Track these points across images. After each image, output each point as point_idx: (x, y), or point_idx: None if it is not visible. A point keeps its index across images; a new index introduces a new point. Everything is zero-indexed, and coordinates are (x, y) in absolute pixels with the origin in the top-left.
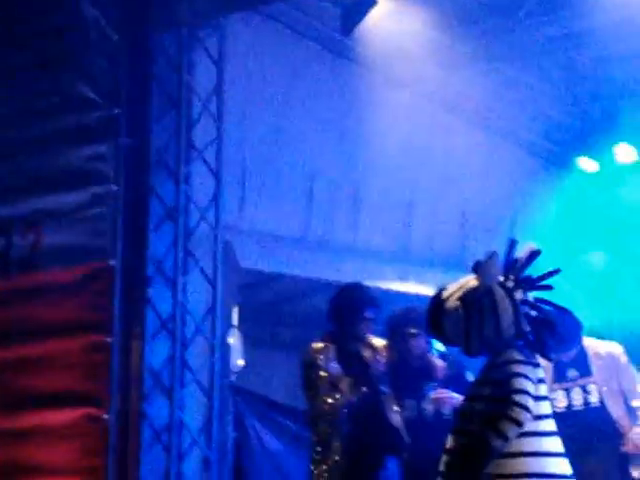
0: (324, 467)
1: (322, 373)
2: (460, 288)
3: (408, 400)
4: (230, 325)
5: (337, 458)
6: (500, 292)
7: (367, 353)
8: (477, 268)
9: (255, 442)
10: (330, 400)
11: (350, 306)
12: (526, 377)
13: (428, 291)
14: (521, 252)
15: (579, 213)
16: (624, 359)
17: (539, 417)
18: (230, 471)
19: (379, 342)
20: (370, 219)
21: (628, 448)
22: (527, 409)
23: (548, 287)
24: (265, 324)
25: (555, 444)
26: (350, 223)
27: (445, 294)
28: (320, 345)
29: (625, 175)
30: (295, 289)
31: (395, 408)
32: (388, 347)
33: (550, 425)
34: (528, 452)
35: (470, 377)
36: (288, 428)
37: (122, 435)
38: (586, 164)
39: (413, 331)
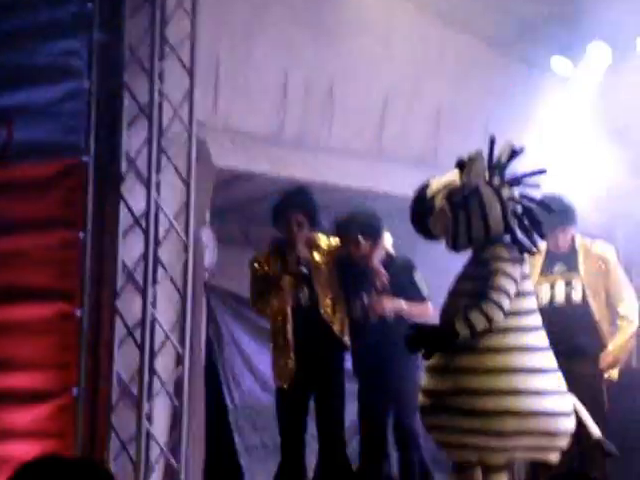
0: (281, 364)
1: (262, 272)
2: (445, 187)
3: (354, 300)
4: (203, 223)
5: (291, 356)
6: (488, 191)
7: (313, 254)
8: (461, 166)
9: (227, 338)
10: (275, 301)
11: (275, 211)
12: (507, 275)
13: (401, 189)
14: (501, 151)
15: (553, 113)
16: (614, 262)
17: (524, 313)
18: (202, 367)
19: (331, 242)
20: (344, 117)
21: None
22: (502, 308)
23: (535, 185)
24: (239, 223)
25: (539, 339)
26: (324, 121)
27: (429, 193)
28: (261, 254)
29: (599, 74)
30: (269, 188)
31: (333, 306)
32: (338, 246)
33: (535, 320)
34: (513, 347)
35: (419, 278)
36: (260, 325)
37: (95, 331)
38: (560, 64)
39: (358, 237)
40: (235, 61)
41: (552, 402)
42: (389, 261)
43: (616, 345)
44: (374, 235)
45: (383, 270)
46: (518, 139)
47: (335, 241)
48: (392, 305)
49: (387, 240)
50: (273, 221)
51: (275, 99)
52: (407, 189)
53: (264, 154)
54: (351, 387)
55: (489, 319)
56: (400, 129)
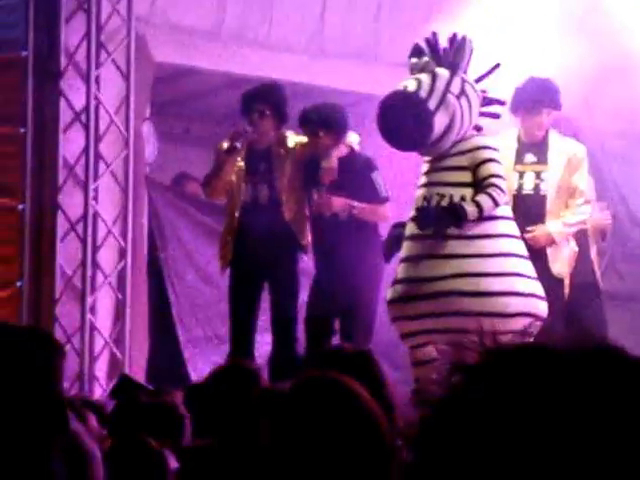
0: (225, 243)
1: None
2: (435, 81)
3: (311, 196)
4: (144, 118)
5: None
6: (467, 78)
7: (277, 151)
8: (418, 51)
9: (170, 233)
10: (237, 189)
11: (242, 102)
12: (498, 163)
13: (341, 84)
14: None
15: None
16: (583, 159)
17: (505, 203)
18: (145, 261)
19: (297, 139)
20: (284, 11)
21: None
22: (503, 192)
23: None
24: (179, 119)
25: (511, 227)
26: (264, 16)
27: (423, 93)
28: (229, 138)
29: None
30: (209, 84)
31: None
32: (305, 143)
33: (506, 210)
34: (507, 234)
35: (378, 178)
36: (203, 221)
37: (37, 226)
38: None
39: (319, 131)
40: None
41: (539, 287)
42: (349, 158)
43: (556, 225)
44: (336, 129)
45: (334, 166)
46: (470, 32)
47: (303, 138)
48: (341, 203)
49: (352, 137)
50: (240, 110)
51: None
52: (347, 84)
53: (203, 49)
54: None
55: (496, 203)
56: (340, 24)
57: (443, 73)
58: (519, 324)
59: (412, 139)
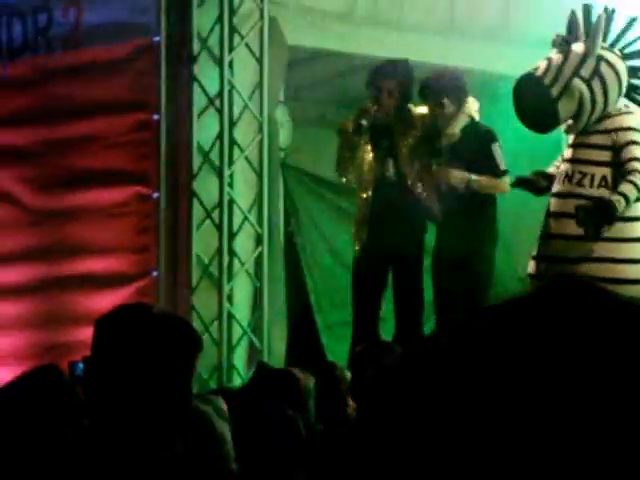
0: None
1: (348, 135)
2: (564, 66)
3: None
4: (278, 102)
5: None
6: (610, 55)
7: (400, 126)
8: (562, 41)
9: (306, 219)
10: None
11: (369, 79)
12: None
13: (475, 64)
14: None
15: None
16: None
17: None
18: (281, 247)
19: (419, 111)
20: None
21: None
22: None
23: (629, 27)
24: (313, 102)
25: None
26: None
27: (547, 79)
28: (348, 120)
29: None
30: (342, 66)
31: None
32: (428, 114)
33: None
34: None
35: (497, 150)
36: (339, 205)
37: (172, 214)
38: None
39: (443, 100)
40: None
41: None
42: (470, 128)
43: None
44: (458, 96)
45: (456, 132)
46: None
47: (424, 109)
48: (457, 176)
49: (472, 105)
50: (367, 87)
51: None
52: (482, 64)
53: (336, 32)
54: None
55: (639, 189)
56: (471, 4)
57: (576, 53)
58: None
59: (539, 124)
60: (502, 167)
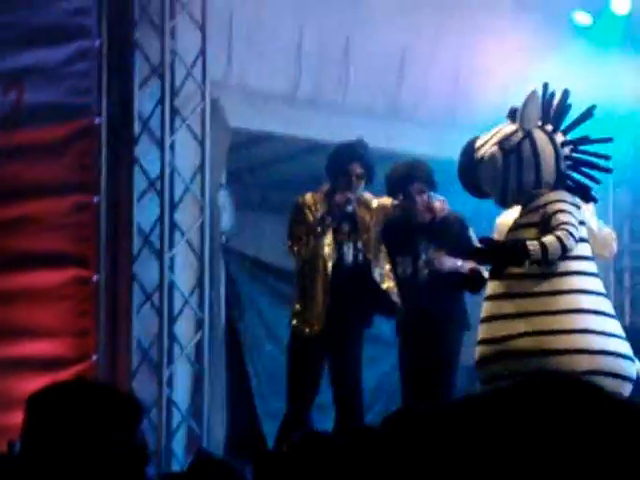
0: (304, 318)
1: (309, 216)
2: (495, 135)
3: (404, 257)
4: (220, 185)
5: (320, 301)
6: (541, 136)
7: (361, 212)
8: (513, 113)
9: (247, 303)
10: (312, 243)
11: (335, 162)
12: (571, 214)
13: (419, 149)
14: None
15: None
16: None
17: (583, 258)
18: (222, 332)
19: (381, 201)
20: (360, 76)
21: None
22: (574, 239)
23: (587, 116)
24: (255, 186)
25: (599, 284)
26: (340, 80)
27: (478, 143)
28: (310, 196)
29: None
30: (285, 150)
31: (387, 267)
32: (391, 204)
33: (592, 266)
34: (578, 289)
35: (473, 235)
36: (279, 289)
37: (112, 297)
38: (581, 18)
39: (418, 187)
40: (249, 18)
41: (619, 344)
42: (440, 221)
43: None
44: (435, 186)
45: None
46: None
47: (386, 200)
48: (450, 263)
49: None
50: (330, 171)
51: (290, 57)
52: (426, 148)
53: (279, 114)
54: (372, 351)
55: (563, 246)
56: (418, 88)
57: (510, 126)
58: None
59: (465, 185)
60: None
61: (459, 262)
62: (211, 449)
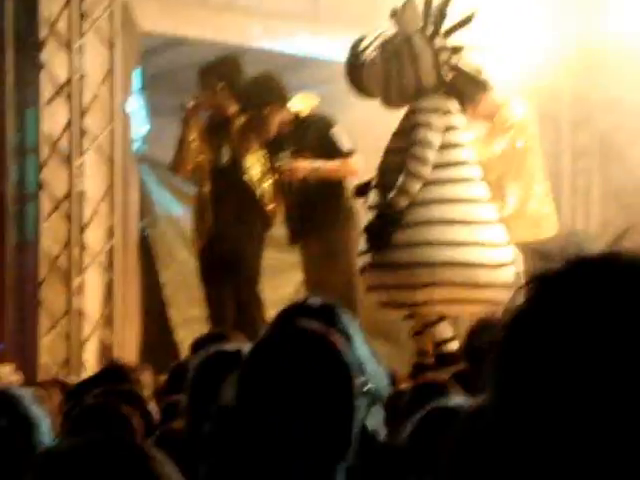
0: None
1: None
2: (377, 38)
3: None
4: (130, 91)
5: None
6: (419, 40)
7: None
8: (394, 15)
9: (161, 210)
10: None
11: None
12: (430, 126)
13: (339, 53)
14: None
15: None
16: None
17: (452, 164)
18: (135, 240)
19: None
20: None
21: None
22: (426, 161)
23: (464, 25)
24: (170, 92)
25: (470, 189)
26: None
27: (362, 45)
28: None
29: None
30: (200, 54)
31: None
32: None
33: (467, 172)
34: (440, 199)
35: (339, 134)
36: (191, 194)
37: (20, 209)
38: None
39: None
40: None
41: (468, 253)
42: (304, 122)
43: None
44: (277, 99)
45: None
46: None
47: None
48: (304, 166)
49: (301, 101)
50: (197, 83)
51: None
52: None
53: (193, 18)
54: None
55: (419, 177)
56: None
57: (392, 30)
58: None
59: (355, 88)
60: (346, 148)
61: (317, 163)
62: (124, 359)
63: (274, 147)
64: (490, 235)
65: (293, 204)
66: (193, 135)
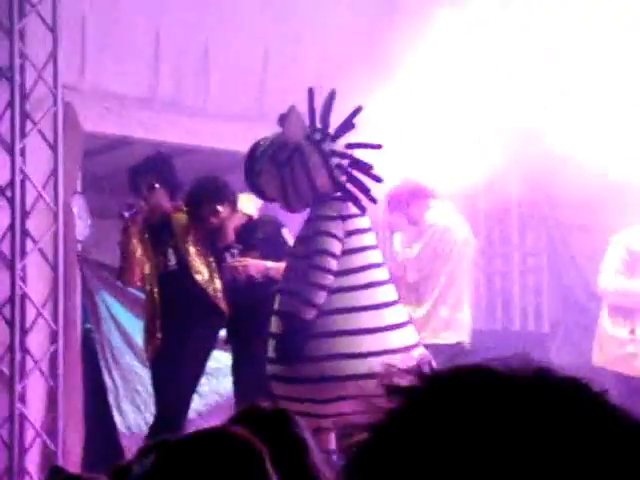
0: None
1: (134, 241)
2: (270, 146)
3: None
4: (74, 192)
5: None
6: (308, 147)
7: (179, 217)
8: (281, 123)
9: (104, 313)
10: (146, 268)
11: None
12: (330, 234)
13: None
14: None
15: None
16: None
17: (353, 271)
18: (79, 344)
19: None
20: (221, 80)
21: None
22: (328, 271)
23: (352, 126)
24: (112, 193)
25: (372, 296)
26: (200, 84)
27: (259, 151)
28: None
29: None
30: (143, 155)
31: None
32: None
33: (372, 275)
34: (345, 308)
35: (287, 235)
36: (137, 298)
37: None
38: None
39: (216, 207)
40: (102, 19)
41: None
42: (252, 224)
43: None
44: (227, 201)
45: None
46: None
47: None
48: (256, 265)
49: (249, 202)
50: (129, 187)
51: (146, 59)
52: None
53: (137, 118)
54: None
55: (322, 287)
56: (282, 89)
57: (280, 138)
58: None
59: (256, 194)
60: None
61: (268, 263)
62: (67, 466)
63: (220, 247)
64: (399, 340)
65: (234, 304)
66: (134, 243)
